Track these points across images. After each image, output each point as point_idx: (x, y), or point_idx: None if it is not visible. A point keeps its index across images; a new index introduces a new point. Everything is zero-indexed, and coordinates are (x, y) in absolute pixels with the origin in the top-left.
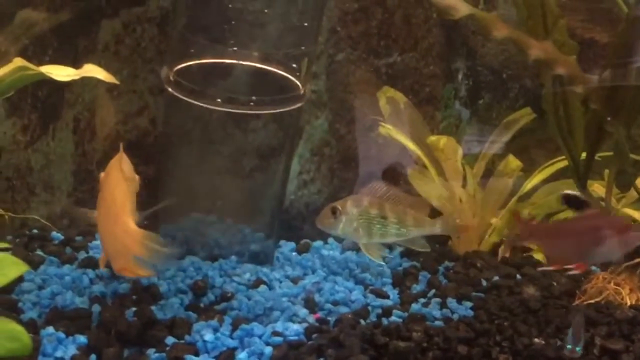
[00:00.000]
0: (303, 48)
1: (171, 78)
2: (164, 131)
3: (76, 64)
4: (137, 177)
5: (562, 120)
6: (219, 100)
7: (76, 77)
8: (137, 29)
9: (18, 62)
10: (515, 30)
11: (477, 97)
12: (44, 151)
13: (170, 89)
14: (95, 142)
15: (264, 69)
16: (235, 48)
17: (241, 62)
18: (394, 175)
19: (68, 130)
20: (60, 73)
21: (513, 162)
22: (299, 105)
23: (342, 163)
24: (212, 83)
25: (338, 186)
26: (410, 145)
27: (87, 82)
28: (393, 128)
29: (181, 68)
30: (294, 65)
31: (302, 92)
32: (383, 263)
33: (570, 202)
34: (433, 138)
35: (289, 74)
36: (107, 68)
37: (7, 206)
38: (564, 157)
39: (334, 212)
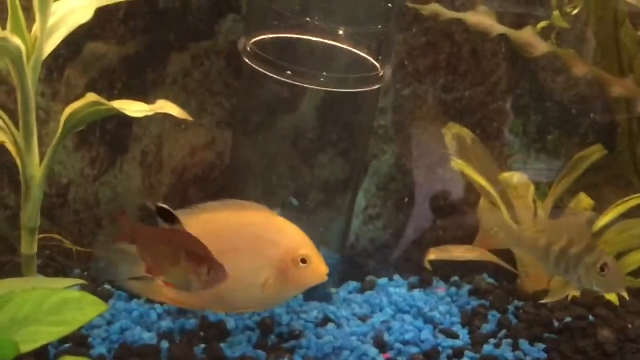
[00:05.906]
0: (381, 27)
1: (248, 49)
2: (230, 165)
3: (145, 98)
4: None
5: (639, 158)
6: (300, 76)
7: (149, 113)
8: (206, 62)
9: (91, 97)
10: (595, 67)
11: (546, 132)
12: (112, 184)
13: (247, 60)
14: (162, 176)
15: (343, 47)
16: (317, 22)
17: (321, 38)
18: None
19: (135, 164)
20: (133, 109)
21: (585, 200)
22: (376, 86)
23: (409, 198)
24: (291, 58)
25: (404, 222)
26: (482, 181)
27: (155, 116)
28: (464, 163)
29: (259, 40)
30: (373, 46)
31: (380, 73)
32: None
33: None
34: (506, 175)
35: (368, 54)
36: (175, 102)
37: (74, 239)
38: (637, 195)
39: None
